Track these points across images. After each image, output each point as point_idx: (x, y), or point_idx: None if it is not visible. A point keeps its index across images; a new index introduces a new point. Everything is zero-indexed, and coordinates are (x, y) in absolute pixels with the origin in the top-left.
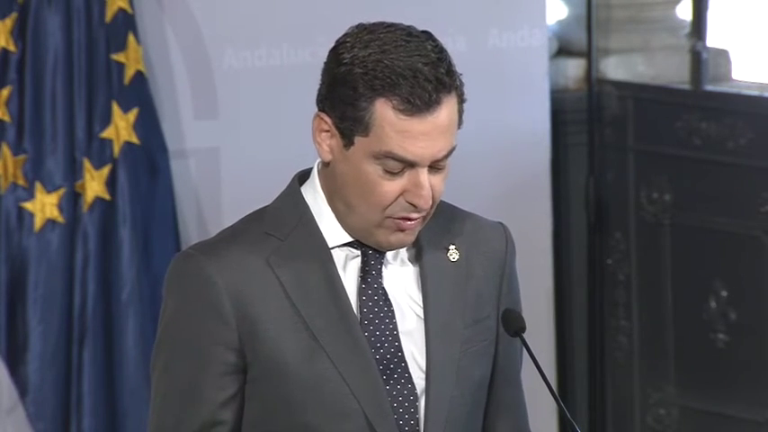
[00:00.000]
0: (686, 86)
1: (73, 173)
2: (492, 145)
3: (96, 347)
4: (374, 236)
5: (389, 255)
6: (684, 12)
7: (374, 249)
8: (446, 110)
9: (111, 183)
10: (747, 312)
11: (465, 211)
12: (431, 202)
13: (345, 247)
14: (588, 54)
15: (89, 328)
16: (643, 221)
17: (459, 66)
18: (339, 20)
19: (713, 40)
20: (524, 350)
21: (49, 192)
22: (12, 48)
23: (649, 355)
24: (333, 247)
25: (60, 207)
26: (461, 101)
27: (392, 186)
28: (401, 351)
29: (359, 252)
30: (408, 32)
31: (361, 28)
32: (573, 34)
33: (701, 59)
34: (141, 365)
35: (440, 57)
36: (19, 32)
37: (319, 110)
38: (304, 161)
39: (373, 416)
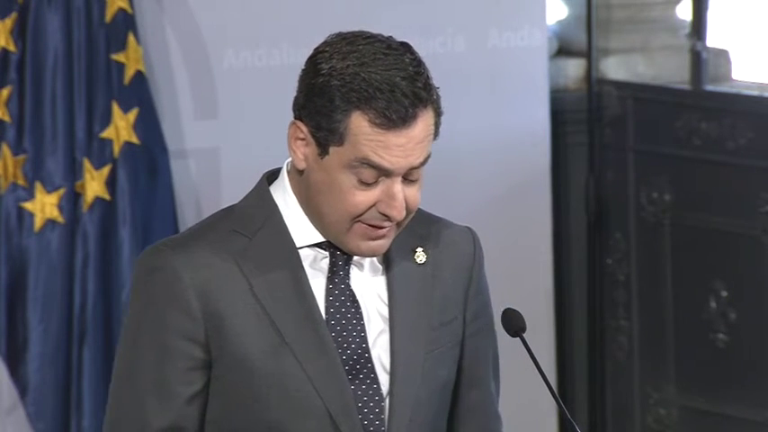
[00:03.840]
0: (686, 86)
1: (73, 173)
2: (492, 145)
3: (96, 347)
4: (345, 242)
5: (357, 256)
6: (684, 12)
7: (342, 251)
8: (422, 124)
9: (111, 183)
10: (747, 312)
11: (433, 216)
12: (404, 213)
13: (314, 248)
14: (588, 54)
15: (89, 328)
16: (643, 221)
17: (458, 66)
18: (339, 20)
19: (713, 40)
20: (524, 350)
21: (49, 192)
22: (12, 48)
23: (649, 355)
24: (301, 247)
25: (60, 207)
26: (438, 114)
27: (365, 197)
28: (368, 352)
29: (327, 254)
30: (388, 45)
31: (341, 38)
32: (573, 34)
33: (701, 59)
34: None
35: (417, 71)
36: (19, 32)
37: (295, 117)
38: None
39: (337, 414)
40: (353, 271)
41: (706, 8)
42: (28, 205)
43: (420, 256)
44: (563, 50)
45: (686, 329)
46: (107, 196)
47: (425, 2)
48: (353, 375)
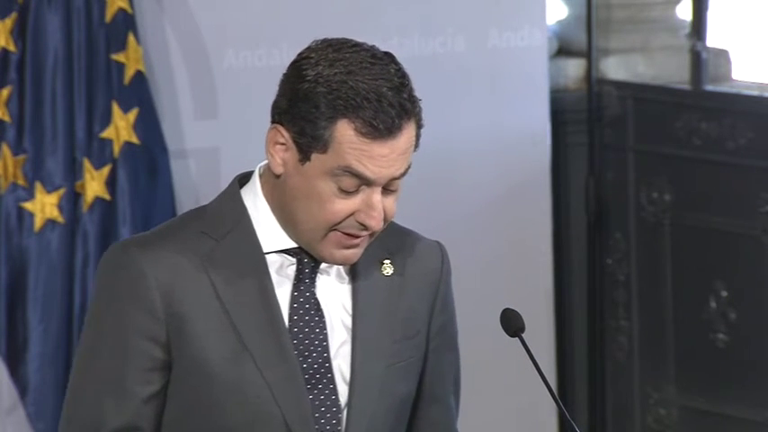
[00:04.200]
0: (686, 86)
1: (73, 173)
2: (492, 145)
3: None
4: (318, 249)
5: (325, 265)
6: (684, 12)
7: (310, 258)
8: (406, 135)
9: (111, 183)
10: (747, 312)
11: (403, 228)
12: (382, 224)
13: (282, 254)
14: (588, 54)
15: None
16: (643, 221)
17: (458, 66)
18: (339, 20)
19: (713, 40)
20: (524, 350)
21: (49, 192)
22: (12, 48)
23: (649, 355)
24: (269, 253)
25: (60, 207)
26: (419, 126)
27: (344, 205)
28: (328, 362)
29: (294, 260)
30: (373, 54)
31: (326, 44)
32: (573, 34)
33: (700, 59)
34: None
35: (402, 82)
36: (19, 32)
37: (275, 122)
38: None
39: (293, 423)
40: (320, 279)
41: (706, 8)
42: (28, 205)
43: (387, 269)
44: (563, 50)
45: (686, 329)
46: (107, 196)
47: (425, 2)
48: (312, 385)
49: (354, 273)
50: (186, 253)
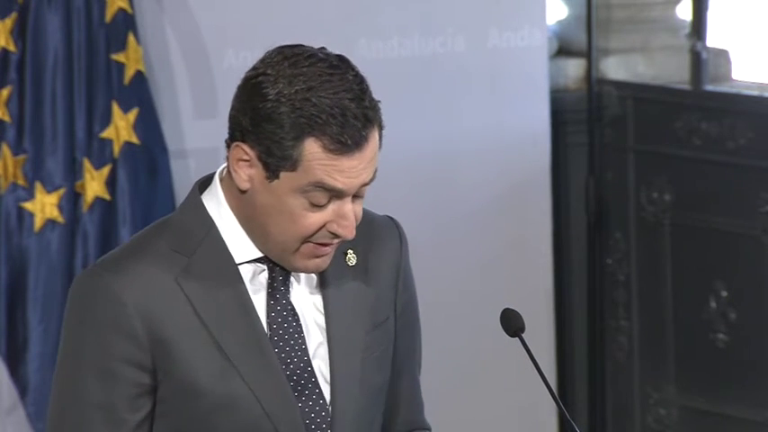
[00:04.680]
0: (686, 86)
1: (73, 173)
2: (492, 145)
3: None
4: (290, 262)
5: None
6: (684, 12)
7: (281, 265)
8: (372, 143)
9: (111, 183)
10: (747, 312)
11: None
12: (354, 232)
13: (253, 263)
14: (588, 54)
15: None
16: (643, 221)
17: (458, 66)
18: (338, 20)
19: (713, 40)
20: (524, 350)
21: (49, 192)
22: (12, 48)
23: (649, 355)
24: (240, 263)
25: (60, 207)
26: (381, 128)
27: (316, 218)
28: (310, 366)
29: (265, 267)
30: (329, 63)
31: (282, 57)
32: (573, 34)
33: (700, 59)
34: None
35: (362, 88)
36: (19, 32)
37: (238, 139)
38: None
39: None
40: (293, 284)
41: (706, 8)
42: (28, 205)
43: (351, 259)
44: (563, 50)
45: (686, 329)
46: (107, 196)
47: (425, 2)
48: (299, 392)
49: (322, 271)
50: (159, 273)
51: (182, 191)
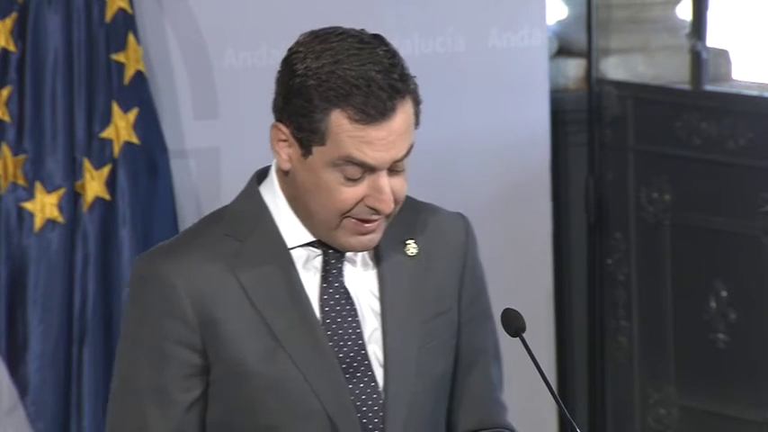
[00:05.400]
0: (686, 86)
1: (73, 173)
2: (492, 145)
3: (96, 347)
4: (336, 239)
5: (350, 253)
6: (684, 12)
7: (334, 249)
8: (402, 115)
9: (111, 183)
10: (747, 312)
11: (423, 203)
12: (392, 206)
13: (307, 247)
14: (588, 54)
15: (89, 328)
16: (643, 221)
17: (458, 66)
18: (339, 20)
19: (713, 40)
20: (524, 350)
21: (49, 192)
22: (12, 48)
23: (649, 355)
24: (293, 248)
25: (60, 207)
26: (417, 103)
27: (352, 193)
28: (364, 349)
29: (320, 252)
30: (360, 39)
31: (313, 36)
32: (573, 34)
33: (700, 59)
34: None
35: (392, 62)
36: (19, 32)
37: (276, 119)
38: None
39: (335, 415)
40: (347, 268)
41: (706, 8)
42: (28, 205)
43: (411, 249)
44: (563, 50)
45: (686, 329)
46: (107, 196)
47: (425, 2)
48: (350, 374)
49: (379, 257)
50: (212, 258)
51: (182, 191)
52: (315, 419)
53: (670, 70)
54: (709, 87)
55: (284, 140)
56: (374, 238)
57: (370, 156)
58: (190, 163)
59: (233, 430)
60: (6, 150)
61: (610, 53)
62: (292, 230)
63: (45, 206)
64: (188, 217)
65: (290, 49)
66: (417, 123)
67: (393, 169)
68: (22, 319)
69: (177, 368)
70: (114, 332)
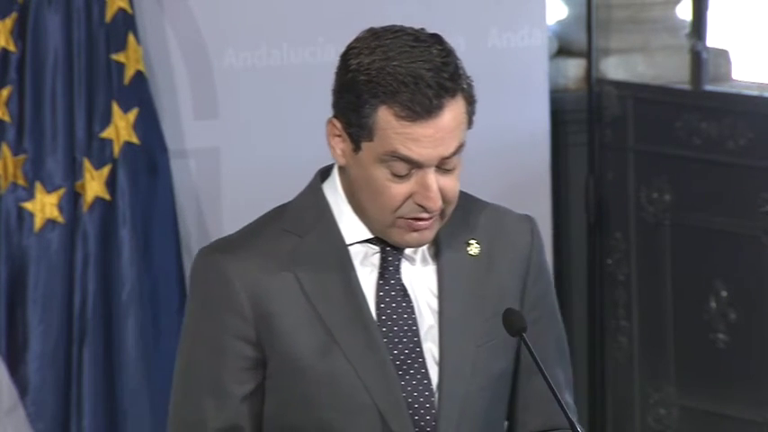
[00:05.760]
0: (686, 86)
1: (73, 173)
2: (492, 145)
3: (96, 347)
4: (390, 236)
5: (409, 251)
6: (684, 12)
7: (393, 246)
8: (450, 113)
9: (111, 183)
10: (747, 312)
11: (490, 204)
12: (440, 203)
13: (365, 244)
14: (588, 54)
15: (89, 328)
16: (643, 221)
17: None
18: (339, 20)
19: (713, 40)
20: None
21: (49, 192)
22: (12, 48)
23: (649, 355)
24: (352, 244)
25: (60, 207)
26: (470, 102)
27: (400, 189)
28: (419, 347)
29: (378, 249)
30: (415, 37)
31: (370, 33)
32: (573, 34)
33: (700, 59)
34: (141, 365)
35: (445, 61)
36: (19, 32)
37: (333, 115)
38: (304, 161)
39: (387, 411)
40: (405, 265)
41: (706, 8)
42: (28, 205)
43: (473, 249)
44: (563, 50)
45: (686, 329)
46: (107, 196)
47: (425, 2)
48: (404, 371)
49: (439, 255)
50: (270, 252)
51: (182, 191)
52: (366, 415)
53: (670, 70)
54: (709, 87)
55: (338, 135)
56: (428, 235)
57: (416, 152)
58: (190, 163)
59: (287, 424)
60: (6, 150)
61: (610, 53)
62: (351, 227)
63: (45, 206)
64: (188, 217)
65: (348, 45)
66: (470, 123)
67: (442, 167)
68: (22, 319)
69: (234, 361)
70: (114, 332)
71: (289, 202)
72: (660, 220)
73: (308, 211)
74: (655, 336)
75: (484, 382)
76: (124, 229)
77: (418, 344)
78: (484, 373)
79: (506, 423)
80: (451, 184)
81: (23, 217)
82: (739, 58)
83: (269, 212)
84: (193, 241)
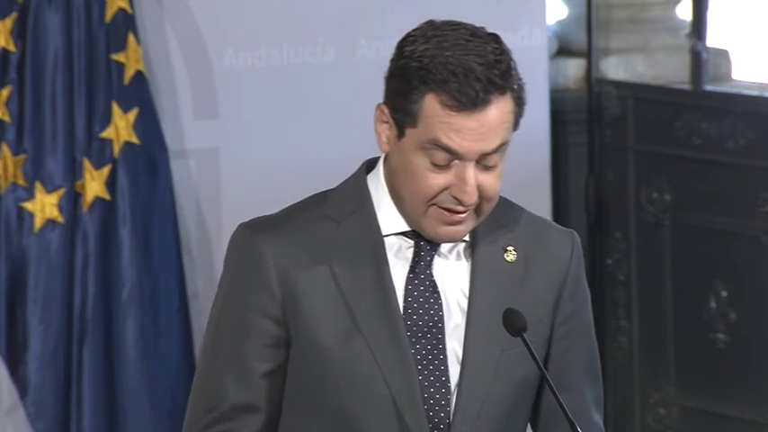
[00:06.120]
0: (686, 86)
1: (73, 173)
2: None
3: (96, 347)
4: (423, 226)
5: (444, 248)
6: (684, 12)
7: (428, 241)
8: (496, 110)
9: (111, 183)
10: (747, 312)
11: (534, 216)
12: (475, 198)
13: (401, 237)
14: (588, 54)
15: (89, 328)
16: (643, 221)
17: None
18: (339, 20)
19: (713, 40)
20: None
21: (49, 192)
22: (12, 48)
23: (649, 355)
24: (387, 235)
25: (60, 207)
26: (519, 104)
27: (437, 180)
28: (442, 344)
29: (412, 243)
30: (473, 33)
31: (429, 23)
32: (573, 34)
33: (701, 59)
34: (141, 365)
35: (498, 59)
36: (19, 32)
37: (383, 101)
38: (303, 161)
39: (402, 403)
40: (438, 261)
41: (706, 8)
42: (28, 205)
43: (510, 255)
44: (563, 50)
45: (686, 329)
46: (107, 196)
47: (425, 2)
48: (423, 366)
49: (475, 257)
50: (305, 234)
51: (182, 191)
52: (382, 405)
53: (670, 70)
54: (709, 87)
55: (386, 122)
56: (460, 229)
57: (457, 143)
58: (190, 163)
59: (304, 406)
60: (6, 150)
61: (610, 53)
62: (389, 218)
63: (45, 206)
64: (188, 217)
65: (406, 33)
66: (516, 125)
67: (483, 164)
68: (22, 319)
69: (258, 337)
70: (114, 332)
71: (332, 189)
72: (660, 220)
73: (348, 199)
74: (655, 336)
75: (505, 387)
76: (124, 229)
77: (442, 341)
78: (506, 378)
79: (530, 430)
80: (491, 181)
81: (23, 217)
82: (739, 58)
83: (312, 196)
84: (193, 241)
